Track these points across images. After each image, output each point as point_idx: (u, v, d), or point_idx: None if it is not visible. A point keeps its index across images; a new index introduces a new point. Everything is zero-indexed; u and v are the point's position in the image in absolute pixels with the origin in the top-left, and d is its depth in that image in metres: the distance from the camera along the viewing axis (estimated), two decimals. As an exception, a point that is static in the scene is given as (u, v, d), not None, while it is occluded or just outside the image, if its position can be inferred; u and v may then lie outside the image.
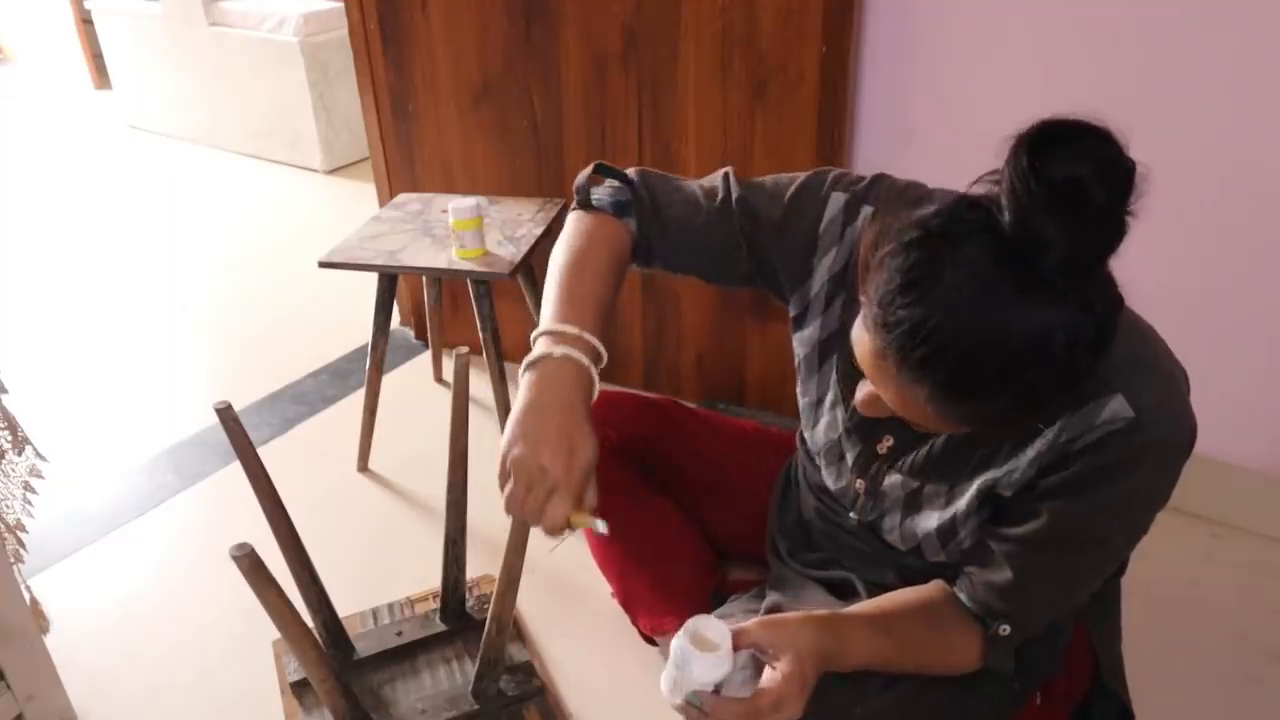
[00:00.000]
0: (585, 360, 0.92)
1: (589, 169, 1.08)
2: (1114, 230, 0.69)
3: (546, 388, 0.90)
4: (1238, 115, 1.49)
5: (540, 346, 0.94)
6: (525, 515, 0.88)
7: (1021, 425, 0.86)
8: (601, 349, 0.95)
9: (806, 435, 1.12)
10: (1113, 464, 0.82)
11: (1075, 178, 0.67)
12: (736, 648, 0.88)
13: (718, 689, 0.87)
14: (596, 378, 0.93)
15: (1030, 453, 0.87)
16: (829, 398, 1.07)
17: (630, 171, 1.08)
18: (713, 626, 0.87)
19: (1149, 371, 0.84)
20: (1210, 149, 1.52)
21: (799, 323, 1.07)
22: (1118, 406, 0.81)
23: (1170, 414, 0.83)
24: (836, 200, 1.00)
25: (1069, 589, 0.94)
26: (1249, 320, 1.61)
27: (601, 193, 1.07)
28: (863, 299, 0.79)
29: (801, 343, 1.07)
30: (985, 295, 0.71)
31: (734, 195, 1.04)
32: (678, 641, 0.86)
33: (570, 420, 0.88)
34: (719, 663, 0.86)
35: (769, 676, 0.88)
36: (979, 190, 0.75)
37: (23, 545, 1.36)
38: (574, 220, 1.08)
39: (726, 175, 1.06)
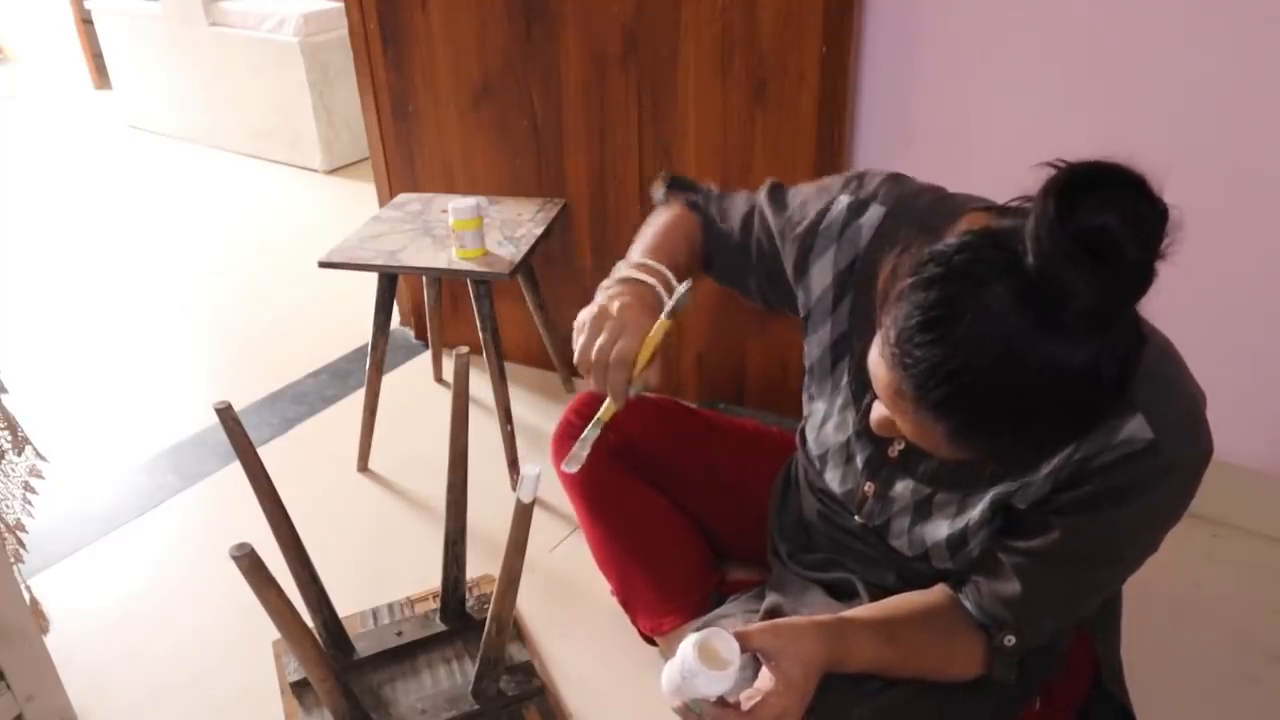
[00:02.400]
0: (653, 280, 1.02)
1: (663, 181, 1.19)
2: (1142, 280, 0.68)
3: (618, 294, 1.00)
4: (1239, 116, 1.49)
5: (616, 273, 1.05)
6: (596, 362, 0.95)
7: (1039, 460, 0.86)
8: (673, 279, 1.03)
9: (810, 436, 1.12)
10: (1129, 485, 0.82)
11: (1104, 228, 0.65)
12: (740, 650, 0.88)
13: (720, 696, 0.88)
14: (665, 299, 1.01)
15: (1046, 468, 0.86)
16: (840, 399, 1.06)
17: (698, 185, 1.18)
18: (725, 642, 0.87)
19: (1170, 392, 0.83)
20: (1211, 150, 1.52)
21: (807, 325, 1.07)
22: (1137, 427, 0.80)
23: (1188, 436, 0.82)
24: (841, 202, 1.00)
25: (1077, 603, 0.94)
26: (1249, 320, 1.61)
27: (675, 196, 1.18)
28: (880, 329, 0.78)
29: (813, 345, 1.07)
30: (1006, 339, 0.69)
31: (756, 206, 1.09)
32: (686, 652, 0.86)
33: (641, 308, 0.98)
34: (725, 680, 0.86)
35: (766, 680, 0.89)
36: (1010, 206, 0.74)
37: (23, 545, 1.36)
38: (659, 209, 1.17)
39: (766, 185, 1.10)
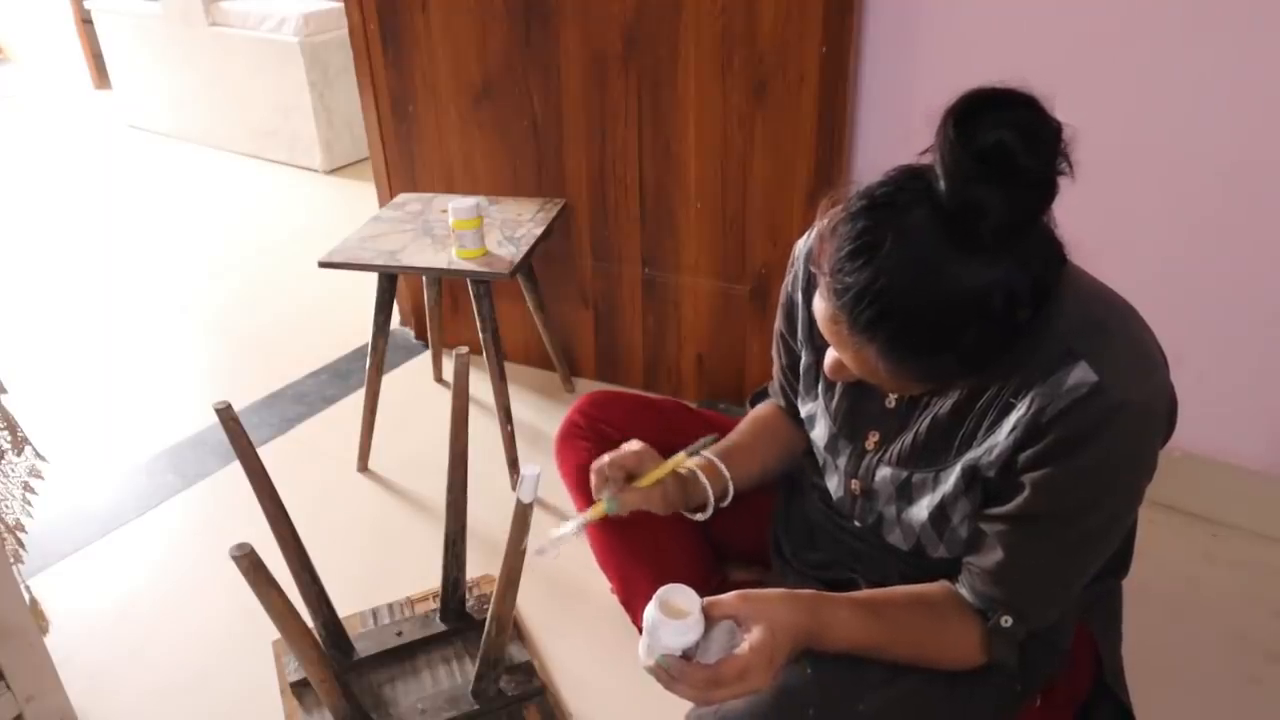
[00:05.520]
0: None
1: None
2: (1044, 191, 0.74)
3: None
4: (1238, 114, 1.49)
5: None
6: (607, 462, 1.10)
7: (971, 380, 0.89)
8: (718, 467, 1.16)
9: (813, 447, 1.14)
10: (1082, 430, 0.83)
11: (1000, 143, 0.71)
12: (711, 618, 0.89)
13: (687, 655, 0.89)
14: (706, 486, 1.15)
15: (1006, 428, 0.88)
16: (818, 407, 1.10)
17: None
18: (683, 594, 0.90)
19: (1112, 338, 0.86)
20: (1211, 148, 1.52)
21: (801, 358, 1.13)
22: (1081, 373, 0.83)
23: (1135, 377, 0.84)
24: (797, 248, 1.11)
25: (1064, 569, 0.94)
26: (1249, 320, 1.61)
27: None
28: (815, 269, 0.85)
29: (802, 369, 1.13)
30: (926, 259, 0.76)
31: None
32: (649, 608, 0.89)
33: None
34: (686, 629, 0.88)
35: (739, 647, 0.89)
36: (926, 160, 0.79)
37: (22, 545, 1.36)
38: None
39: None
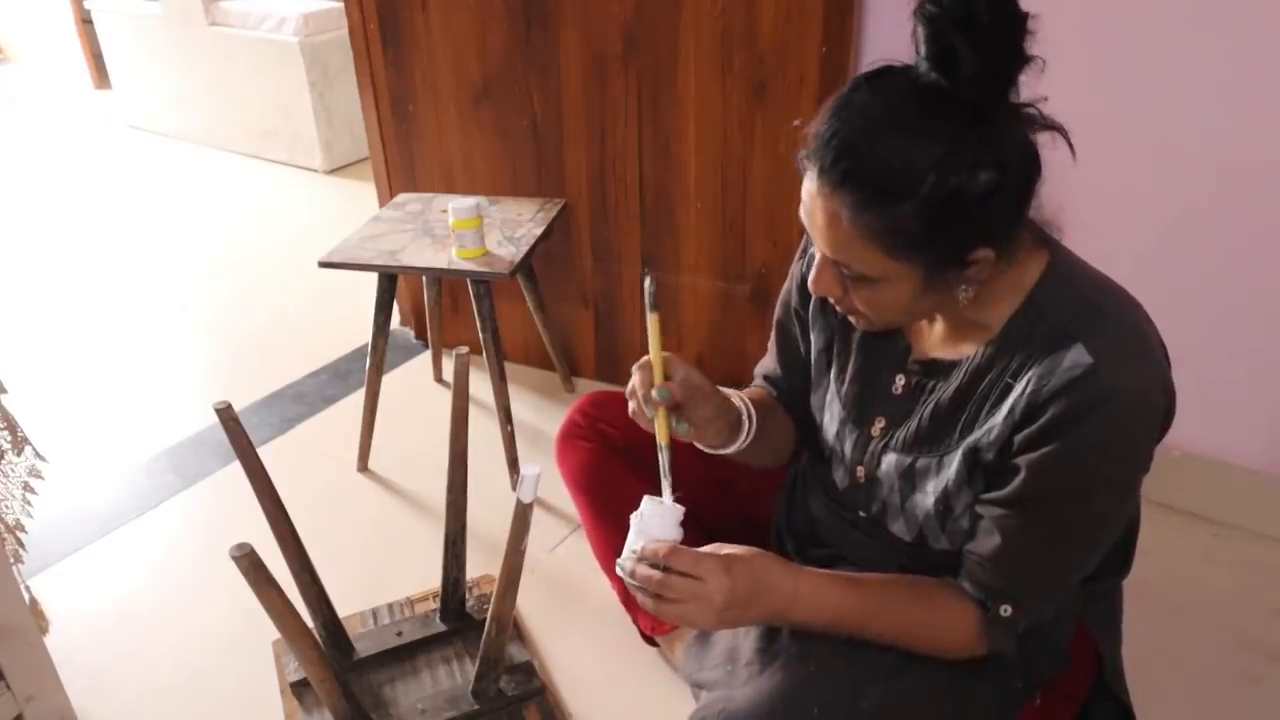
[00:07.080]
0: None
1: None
2: (1010, 53, 0.81)
3: None
4: (1238, 116, 1.49)
5: None
6: (630, 396, 1.03)
7: (936, 260, 0.86)
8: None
9: (820, 436, 1.15)
10: (1076, 411, 0.84)
11: (971, 11, 0.78)
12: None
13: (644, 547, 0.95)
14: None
15: (1004, 408, 0.90)
16: (829, 393, 1.11)
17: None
18: (672, 507, 0.97)
19: (1109, 323, 0.87)
20: (1211, 150, 1.52)
21: (808, 343, 1.14)
22: (1077, 355, 0.85)
23: (1130, 363, 0.86)
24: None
25: (1060, 557, 0.94)
26: (1250, 320, 1.61)
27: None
28: (804, 149, 0.88)
29: (811, 355, 1.14)
30: (896, 105, 0.82)
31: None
32: (641, 508, 0.97)
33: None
34: (676, 520, 0.96)
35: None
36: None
37: (22, 545, 1.36)
38: None
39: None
